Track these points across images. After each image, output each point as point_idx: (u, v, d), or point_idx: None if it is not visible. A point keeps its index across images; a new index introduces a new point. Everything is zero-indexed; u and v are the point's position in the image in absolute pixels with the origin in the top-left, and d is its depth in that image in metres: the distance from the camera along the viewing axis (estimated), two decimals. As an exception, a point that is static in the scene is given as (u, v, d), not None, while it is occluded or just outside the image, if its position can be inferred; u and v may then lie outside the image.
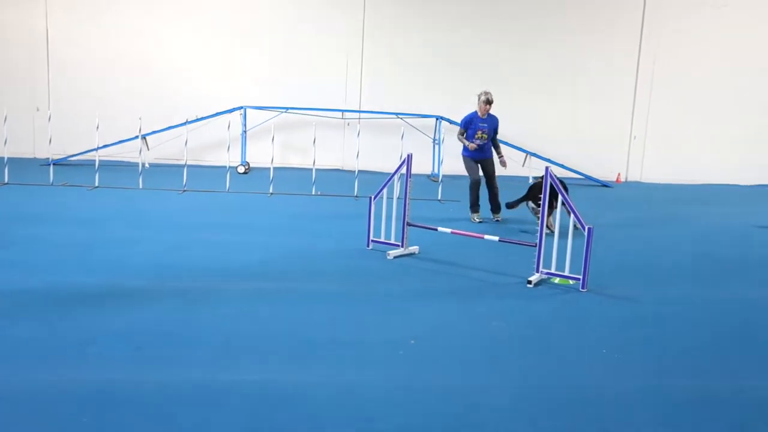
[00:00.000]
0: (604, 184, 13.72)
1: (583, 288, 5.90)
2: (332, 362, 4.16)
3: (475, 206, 9.00)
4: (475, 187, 9.00)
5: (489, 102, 8.89)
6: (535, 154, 13.41)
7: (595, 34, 14.25)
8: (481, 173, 9.11)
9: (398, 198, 7.10)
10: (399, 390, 3.81)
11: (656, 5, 14.22)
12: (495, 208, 9.06)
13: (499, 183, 9.18)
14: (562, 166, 13.28)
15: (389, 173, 7.25)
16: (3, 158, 10.64)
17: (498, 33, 14.17)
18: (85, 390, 3.61)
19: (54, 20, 13.56)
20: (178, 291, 5.42)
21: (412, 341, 4.55)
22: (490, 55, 14.20)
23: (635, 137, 14.69)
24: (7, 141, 10.63)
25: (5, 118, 10.55)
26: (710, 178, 14.64)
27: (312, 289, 5.65)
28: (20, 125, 13.04)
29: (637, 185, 14.34)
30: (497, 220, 9.03)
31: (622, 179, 14.70)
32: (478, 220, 8.86)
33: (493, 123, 9.07)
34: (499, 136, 9.36)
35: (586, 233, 5.77)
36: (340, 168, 14.11)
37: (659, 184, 14.40)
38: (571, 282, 6.04)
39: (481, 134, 8.93)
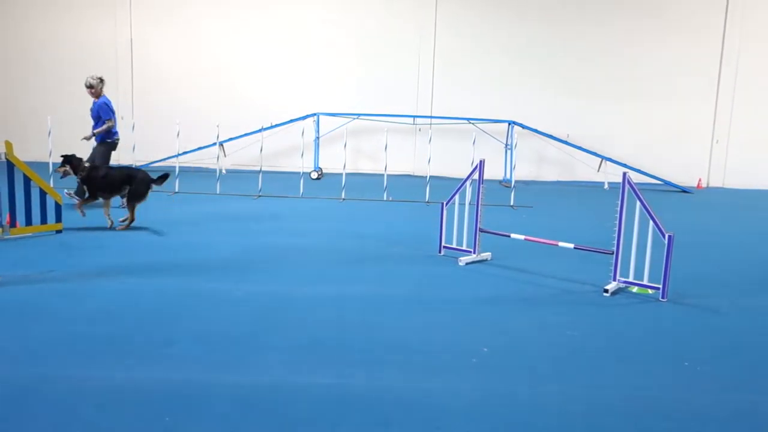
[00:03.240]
0: (684, 190, 13.23)
1: (662, 298, 5.71)
2: (403, 368, 4.17)
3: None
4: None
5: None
6: (610, 159, 13.09)
7: (676, 35, 13.81)
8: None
9: (470, 204, 7.06)
10: (470, 398, 3.77)
11: (739, 3, 13.64)
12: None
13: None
14: (639, 171, 12.91)
15: (460, 179, 7.21)
16: (90, 165, 11.14)
17: (573, 36, 13.92)
18: (166, 389, 3.73)
19: (138, 34, 14.17)
20: (251, 295, 5.55)
21: (485, 349, 4.51)
22: (565, 59, 13.96)
23: (717, 141, 14.11)
24: (95, 149, 11.13)
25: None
26: (800, 184, 13.93)
27: (384, 294, 5.67)
28: (106, 133, 13.65)
29: (720, 191, 13.78)
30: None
31: (704, 185, 14.14)
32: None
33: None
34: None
35: (666, 241, 5.58)
36: (411, 174, 14.15)
37: (742, 190, 13.79)
38: (650, 291, 5.85)
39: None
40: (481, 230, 6.94)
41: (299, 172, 11.63)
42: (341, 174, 11.23)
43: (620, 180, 5.89)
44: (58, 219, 7.59)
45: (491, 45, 13.98)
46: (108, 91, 14.23)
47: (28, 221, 7.38)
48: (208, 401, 3.61)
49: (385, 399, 3.72)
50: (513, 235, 6.92)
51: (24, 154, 8.39)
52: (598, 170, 13.31)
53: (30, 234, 7.37)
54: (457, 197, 7.08)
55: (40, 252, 6.77)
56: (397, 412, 3.58)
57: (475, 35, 13.99)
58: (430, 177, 11.28)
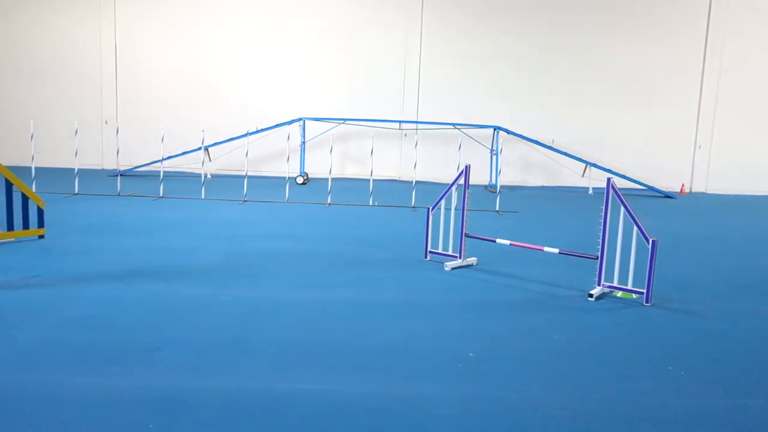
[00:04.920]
0: (668, 195, 13.35)
1: (647, 302, 5.75)
2: (389, 373, 4.16)
3: None
4: None
5: None
6: (595, 165, 13.17)
7: (659, 41, 13.94)
8: None
9: (456, 209, 7.07)
10: (456, 404, 3.78)
11: (722, 8, 13.80)
12: None
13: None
14: (623, 176, 13.00)
15: (446, 184, 7.23)
16: (74, 169, 11.07)
17: (558, 43, 14.01)
18: (151, 396, 3.70)
19: (122, 38, 14.09)
20: (236, 300, 5.52)
21: (471, 354, 4.52)
22: (550, 65, 14.05)
23: (700, 146, 14.26)
24: (78, 153, 11.06)
25: (76, 131, 10.98)
26: (781, 189, 14.09)
27: (370, 300, 5.67)
28: (90, 138, 13.59)
29: (702, 196, 13.91)
30: None
31: (687, 190, 14.27)
32: None
33: None
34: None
35: (650, 246, 5.63)
36: (397, 179, 14.16)
37: (726, 195, 13.94)
38: (634, 296, 5.89)
39: None
40: (467, 235, 6.96)
41: (285, 177, 11.60)
42: (327, 179, 11.22)
43: (605, 185, 5.93)
44: (41, 224, 7.51)
45: (477, 51, 14.03)
46: (92, 95, 14.27)
47: (10, 227, 7.30)
48: (193, 408, 3.59)
49: (370, 405, 3.72)
50: (499, 240, 6.94)
51: (5, 158, 8.31)
52: (583, 175, 13.38)
53: (12, 239, 7.28)
54: (443, 202, 7.10)
55: (23, 257, 6.70)
56: (383, 417, 3.57)
57: (460, 41, 14.04)
58: (416, 182, 11.29)
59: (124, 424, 3.40)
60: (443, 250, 7.11)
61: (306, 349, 4.50)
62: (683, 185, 14.23)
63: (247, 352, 4.42)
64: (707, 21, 13.87)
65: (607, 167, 13.00)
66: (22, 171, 9.30)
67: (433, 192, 9.16)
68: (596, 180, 12.95)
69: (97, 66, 14.16)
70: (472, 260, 7.02)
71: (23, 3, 14.08)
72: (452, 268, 6.81)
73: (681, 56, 13.97)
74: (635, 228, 5.73)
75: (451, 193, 7.06)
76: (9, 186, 7.26)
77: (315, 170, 13.55)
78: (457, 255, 6.95)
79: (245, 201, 10.72)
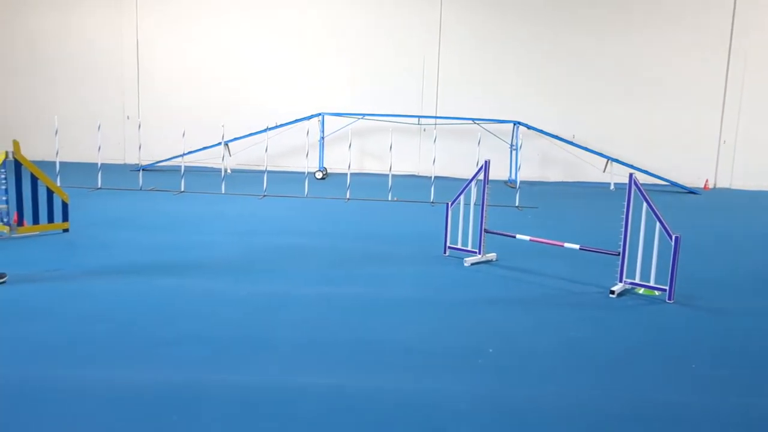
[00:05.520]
0: (691, 191, 13.18)
1: (669, 299, 5.69)
2: (407, 369, 4.16)
3: None
4: None
5: None
6: (617, 160, 13.05)
7: (683, 35, 13.75)
8: None
9: (475, 204, 7.05)
10: (475, 400, 3.76)
11: (747, 2, 13.58)
12: None
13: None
14: (645, 171, 12.86)
15: (465, 179, 7.20)
16: (97, 164, 11.19)
17: (578, 36, 13.88)
18: (172, 389, 3.74)
19: (144, 35, 14.20)
20: (254, 295, 5.55)
21: (490, 350, 4.50)
22: (570, 59, 13.93)
23: (725, 141, 14.05)
24: (101, 148, 11.17)
25: (99, 127, 11.09)
26: (807, 185, 13.86)
27: (388, 295, 5.67)
28: (113, 133, 13.71)
29: (727, 192, 13.72)
30: None
31: (711, 186, 14.09)
32: None
33: None
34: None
35: (673, 242, 5.56)
36: (416, 174, 14.13)
37: (751, 191, 13.73)
38: (656, 293, 5.82)
39: None
40: (487, 231, 6.93)
41: (304, 172, 11.63)
42: (346, 174, 11.23)
43: (626, 181, 5.87)
44: (65, 218, 7.60)
45: (497, 45, 13.95)
46: (114, 91, 14.39)
47: (35, 220, 7.40)
48: (212, 401, 3.61)
49: (388, 400, 3.71)
50: (518, 236, 6.90)
51: (31, 153, 8.41)
52: (604, 171, 13.26)
53: (37, 233, 7.39)
54: (462, 198, 7.07)
55: (47, 251, 6.79)
56: (400, 413, 3.57)
57: (480, 35, 13.96)
58: (435, 177, 11.26)
59: (147, 416, 3.43)
60: (462, 245, 7.09)
61: (323, 345, 4.51)
62: (707, 181, 14.04)
63: (264, 346, 4.44)
64: (732, 14, 13.65)
65: (629, 163, 12.87)
66: (47, 165, 9.41)
67: (452, 187, 9.13)
68: (618, 176, 12.83)
69: (120, 63, 14.29)
70: (492, 256, 6.99)
71: (49, 4, 14.23)
72: (471, 264, 6.79)
73: (705, 50, 13.77)
74: (658, 224, 5.67)
75: (470, 188, 7.03)
76: (34, 180, 7.36)
77: (334, 165, 13.57)
78: (477, 251, 6.93)
79: (265, 196, 10.76)
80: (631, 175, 5.85)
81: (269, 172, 11.45)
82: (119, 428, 3.31)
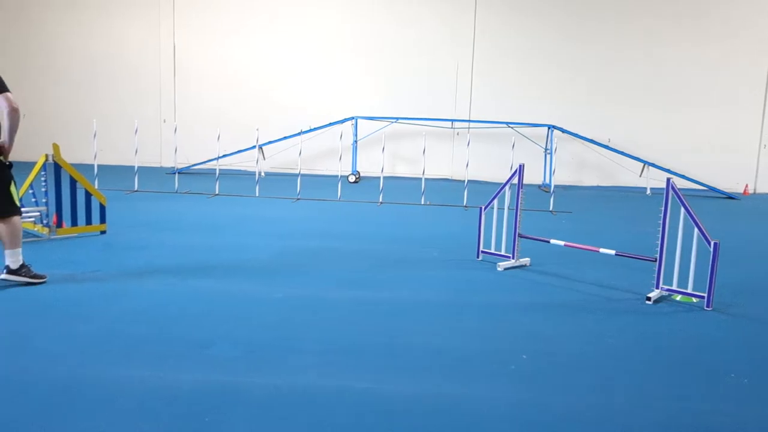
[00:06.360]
0: (730, 196, 12.91)
1: (707, 307, 5.57)
2: (440, 373, 4.13)
3: None
4: None
5: None
6: (653, 164, 12.85)
7: (721, 38, 13.49)
8: None
9: (509, 208, 6.99)
10: (508, 406, 3.73)
11: (791, 5, 13.27)
12: None
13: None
14: (683, 176, 12.64)
15: (499, 183, 7.16)
16: (134, 167, 11.38)
17: (615, 40, 13.70)
18: (205, 390, 3.77)
19: (180, 40, 14.42)
20: (287, 297, 5.58)
21: (524, 356, 4.45)
22: (605, 62, 13.76)
23: (765, 146, 13.74)
24: (138, 151, 11.36)
25: (136, 130, 11.29)
26: None
27: (421, 299, 5.65)
28: (149, 137, 13.95)
29: (767, 197, 13.39)
30: None
31: (750, 191, 13.77)
32: None
33: None
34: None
35: (711, 248, 5.45)
36: (449, 178, 14.09)
37: (793, 197, 13.39)
38: (694, 300, 5.71)
39: None
40: (520, 235, 6.87)
41: (337, 176, 11.68)
42: (379, 178, 11.24)
43: (663, 186, 5.77)
44: (103, 220, 7.74)
45: (531, 48, 13.85)
46: (151, 95, 14.64)
47: (74, 222, 7.55)
48: (245, 402, 3.64)
49: (420, 405, 3.70)
50: (552, 241, 6.83)
51: (71, 156, 8.59)
52: (641, 175, 13.07)
53: (75, 234, 7.54)
54: (495, 202, 7.02)
55: (85, 252, 6.92)
56: (433, 418, 3.55)
57: (514, 39, 13.88)
58: (468, 181, 11.21)
59: (181, 416, 3.47)
60: (496, 250, 7.04)
61: (355, 348, 4.51)
62: (746, 186, 13.74)
63: (297, 349, 4.46)
64: (774, 15, 13.36)
65: (666, 167, 12.66)
66: (86, 168, 9.60)
67: (484, 192, 9.08)
68: (654, 180, 12.63)
69: (157, 68, 14.54)
70: (526, 261, 6.93)
71: (90, 12, 14.55)
72: (505, 269, 6.74)
73: (745, 53, 13.48)
74: (696, 230, 5.56)
75: (504, 192, 6.98)
76: (73, 183, 7.52)
77: (367, 169, 13.60)
78: (510, 255, 6.87)
79: (298, 199, 10.83)
80: (668, 179, 5.75)
81: (303, 175, 11.52)
82: (152, 428, 3.35)
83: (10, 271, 5.57)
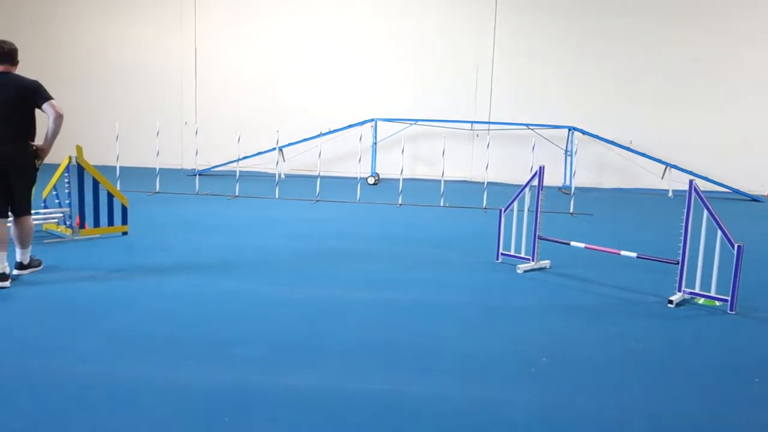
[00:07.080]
0: (754, 199, 12.73)
1: (731, 310, 5.49)
2: (459, 376, 4.12)
3: None
4: None
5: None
6: (675, 166, 12.71)
7: (744, 38, 13.30)
8: None
9: (529, 210, 6.95)
10: (528, 409, 3.71)
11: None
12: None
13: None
14: (705, 178, 12.48)
15: (519, 185, 7.12)
16: (155, 169, 11.49)
17: (636, 41, 13.57)
18: (226, 390, 3.80)
19: (201, 42, 14.53)
20: (307, 298, 5.59)
21: (544, 359, 4.43)
22: (626, 63, 13.63)
23: (790, 147, 13.52)
24: (159, 153, 11.47)
25: (158, 132, 11.39)
26: None
27: (440, 301, 5.64)
28: (170, 138, 14.03)
29: (793, 200, 13.20)
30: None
31: (775, 193, 13.57)
32: None
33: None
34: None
35: (735, 251, 5.38)
36: (469, 180, 14.04)
37: (819, 199, 13.17)
38: (717, 303, 5.63)
39: None
40: (540, 237, 6.84)
41: (356, 178, 11.70)
42: (398, 179, 11.24)
43: (685, 188, 5.70)
44: (125, 221, 7.83)
45: (551, 49, 13.77)
46: (172, 98, 14.78)
47: (96, 223, 7.64)
48: (265, 403, 3.66)
49: (439, 407, 3.69)
50: (573, 243, 6.78)
51: (94, 158, 8.69)
52: (662, 177, 12.93)
53: (98, 235, 7.62)
54: (515, 204, 6.99)
55: (107, 253, 7.00)
56: (452, 421, 3.54)
57: (535, 40, 13.80)
58: (488, 183, 11.17)
59: (202, 415, 3.50)
60: (516, 252, 7.00)
61: (375, 349, 4.51)
62: (771, 188, 13.54)
63: (318, 350, 4.47)
64: (799, 15, 13.16)
65: (689, 169, 12.51)
66: (108, 170, 9.70)
67: (504, 193, 9.04)
68: (677, 182, 12.49)
69: (178, 71, 14.66)
70: (546, 263, 6.89)
71: (111, 14, 14.70)
72: (525, 271, 6.71)
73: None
74: (719, 232, 5.49)
75: (524, 194, 6.95)
76: (96, 185, 7.61)
77: (386, 171, 13.60)
78: (530, 257, 6.83)
79: (318, 201, 10.86)
80: (691, 181, 5.69)
81: (322, 177, 11.56)
82: (172, 427, 3.38)
83: (22, 267, 5.96)
